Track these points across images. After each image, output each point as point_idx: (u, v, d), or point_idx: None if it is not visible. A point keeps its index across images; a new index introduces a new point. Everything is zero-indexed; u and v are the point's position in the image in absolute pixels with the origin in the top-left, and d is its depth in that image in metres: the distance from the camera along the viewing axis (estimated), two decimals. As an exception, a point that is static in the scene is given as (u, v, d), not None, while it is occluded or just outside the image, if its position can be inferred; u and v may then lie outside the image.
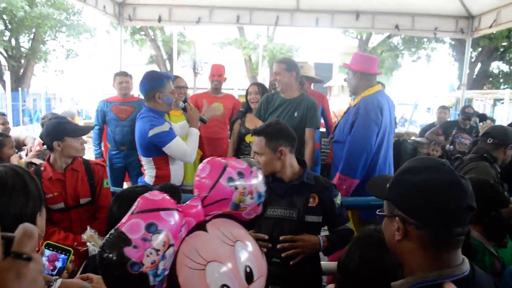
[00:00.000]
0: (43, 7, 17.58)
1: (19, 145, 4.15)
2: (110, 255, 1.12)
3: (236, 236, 1.45)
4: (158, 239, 1.19)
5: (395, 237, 1.21)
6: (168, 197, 1.38)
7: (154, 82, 3.07)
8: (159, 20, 6.85)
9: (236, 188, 1.43)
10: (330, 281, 2.32)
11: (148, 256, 1.15)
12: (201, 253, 1.30)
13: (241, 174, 1.48)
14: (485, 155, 2.93)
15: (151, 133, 2.99)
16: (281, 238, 2.21)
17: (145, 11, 6.91)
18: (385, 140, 3.36)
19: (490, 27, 6.33)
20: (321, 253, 2.37)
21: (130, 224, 1.20)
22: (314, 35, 25.86)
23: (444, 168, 1.19)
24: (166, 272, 1.22)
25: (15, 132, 4.45)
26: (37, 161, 3.67)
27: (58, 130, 2.67)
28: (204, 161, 1.46)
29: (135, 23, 7.48)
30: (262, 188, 1.51)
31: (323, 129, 4.81)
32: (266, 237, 2.18)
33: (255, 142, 2.34)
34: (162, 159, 3.14)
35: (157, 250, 1.17)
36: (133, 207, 1.29)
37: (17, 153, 3.57)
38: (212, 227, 1.44)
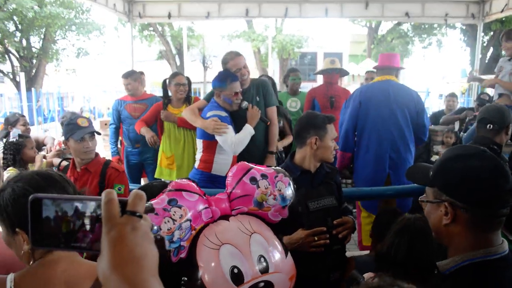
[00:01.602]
0: (52, 7, 17.71)
1: (39, 145, 4.24)
2: None
3: (256, 230, 1.60)
4: (176, 211, 1.44)
5: (442, 221, 1.27)
6: (194, 184, 1.59)
7: (218, 82, 3.30)
8: (169, 16, 6.90)
9: (258, 186, 1.63)
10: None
11: (165, 223, 1.41)
12: (218, 236, 1.51)
13: (264, 176, 1.67)
14: (491, 145, 2.72)
15: (209, 114, 3.23)
16: (335, 222, 2.33)
17: (154, 7, 6.97)
18: (366, 131, 3.58)
19: (502, 11, 6.26)
20: None
21: (158, 199, 1.47)
22: (323, 24, 25.73)
23: (486, 154, 1.27)
24: (183, 243, 1.43)
25: (33, 133, 4.52)
26: (57, 160, 3.76)
27: (64, 131, 2.81)
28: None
29: (145, 20, 7.54)
30: (288, 193, 1.67)
31: None
32: (324, 229, 2.25)
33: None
34: (210, 144, 3.29)
35: (174, 220, 1.42)
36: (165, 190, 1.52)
37: (37, 153, 3.64)
38: (234, 219, 1.63)
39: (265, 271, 1.52)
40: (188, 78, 4.27)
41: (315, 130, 2.37)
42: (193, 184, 1.61)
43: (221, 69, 3.51)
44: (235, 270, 1.47)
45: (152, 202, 1.45)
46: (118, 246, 0.65)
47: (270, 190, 1.66)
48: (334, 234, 2.30)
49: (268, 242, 1.59)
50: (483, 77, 5.00)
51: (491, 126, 2.84)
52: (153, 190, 1.82)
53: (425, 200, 1.36)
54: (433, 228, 1.35)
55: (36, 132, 11.14)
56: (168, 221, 1.42)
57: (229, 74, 3.34)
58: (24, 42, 18.82)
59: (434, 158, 5.27)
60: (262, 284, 1.50)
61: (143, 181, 4.99)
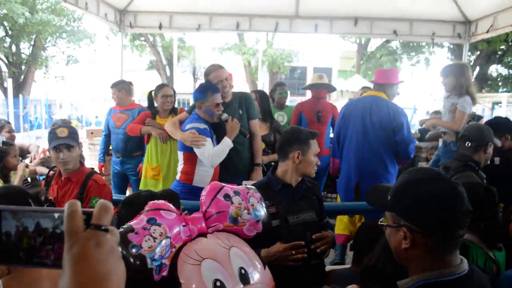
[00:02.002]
0: (44, 14, 17.66)
1: (23, 153, 4.20)
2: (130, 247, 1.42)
3: (234, 244, 1.66)
4: (156, 229, 1.48)
5: (402, 245, 1.29)
6: (170, 205, 1.64)
7: (199, 93, 3.32)
8: (160, 27, 6.91)
9: (232, 202, 1.71)
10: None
11: (146, 241, 1.43)
12: (198, 252, 1.55)
13: (237, 193, 1.76)
14: (469, 163, 2.83)
15: (188, 126, 3.25)
16: (314, 236, 2.33)
17: (146, 18, 6.98)
18: (346, 142, 3.85)
19: (487, 32, 6.38)
20: None
21: (136, 219, 1.51)
22: (313, 39, 25.96)
23: (442, 177, 1.29)
24: (164, 261, 1.46)
25: (18, 140, 4.48)
26: (41, 169, 3.73)
27: (47, 139, 2.77)
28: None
29: (136, 30, 7.54)
30: (260, 207, 1.76)
31: None
32: (302, 243, 2.24)
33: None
34: (190, 156, 3.28)
35: (154, 238, 1.46)
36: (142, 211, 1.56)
37: (21, 161, 3.61)
38: (212, 236, 1.69)
39: (246, 282, 1.56)
40: (173, 90, 4.31)
41: (298, 145, 2.40)
42: (169, 204, 1.64)
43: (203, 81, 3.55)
44: (218, 283, 1.50)
45: (131, 223, 1.48)
46: (80, 264, 0.60)
47: (243, 205, 1.73)
48: (313, 248, 2.30)
49: (247, 255, 1.64)
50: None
51: (469, 144, 2.91)
52: (141, 199, 1.89)
53: (385, 224, 1.37)
54: (393, 251, 1.36)
55: (22, 139, 11.03)
56: (149, 239, 1.44)
57: (210, 85, 3.37)
58: (13, 48, 18.71)
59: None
60: None
61: (128, 192, 4.97)
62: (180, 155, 3.38)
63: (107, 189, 2.79)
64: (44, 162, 3.77)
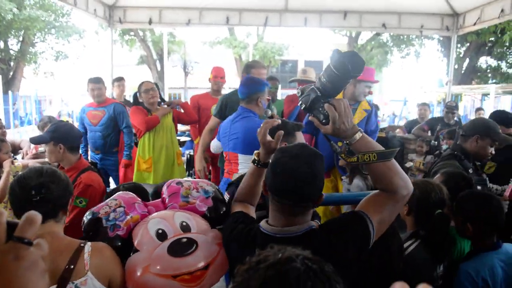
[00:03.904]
0: (32, 10, 17.49)
1: (15, 149, 4.20)
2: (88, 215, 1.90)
3: (181, 211, 1.92)
4: (112, 202, 1.91)
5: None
6: (132, 194, 2.02)
7: (258, 86, 3.26)
8: (150, 22, 6.91)
9: (182, 185, 2.01)
10: None
11: (103, 209, 1.88)
12: (149, 216, 1.88)
13: (188, 181, 2.08)
14: (455, 152, 2.91)
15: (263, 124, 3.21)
16: None
17: (135, 13, 6.97)
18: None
19: (475, 24, 6.47)
20: None
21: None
22: (304, 32, 25.99)
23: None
24: (118, 222, 1.83)
25: (9, 136, 4.48)
26: (33, 164, 3.73)
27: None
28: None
29: (126, 25, 7.52)
30: (209, 188, 2.03)
31: None
32: None
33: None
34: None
35: (110, 206, 1.88)
36: None
37: (13, 157, 3.61)
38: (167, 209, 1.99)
39: (187, 231, 1.79)
40: (155, 83, 4.41)
41: (285, 136, 2.45)
42: (130, 193, 2.04)
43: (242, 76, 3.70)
44: (160, 231, 1.77)
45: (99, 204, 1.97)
46: None
47: (192, 186, 2.01)
48: None
49: (192, 216, 1.88)
50: None
51: (461, 131, 3.03)
52: (124, 190, 2.09)
53: None
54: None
55: (12, 136, 10.96)
56: (105, 208, 1.88)
57: (260, 79, 3.42)
58: (1, 44, 18.54)
59: (409, 164, 5.41)
60: (184, 239, 1.73)
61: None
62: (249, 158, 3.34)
63: (92, 189, 2.68)
64: (36, 158, 3.77)
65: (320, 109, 1.40)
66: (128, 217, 1.85)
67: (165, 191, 2.04)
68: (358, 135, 1.45)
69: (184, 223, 1.81)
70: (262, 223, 1.55)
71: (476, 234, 2.01)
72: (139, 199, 2.00)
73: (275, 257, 0.88)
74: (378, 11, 6.94)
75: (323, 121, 1.41)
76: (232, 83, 16.54)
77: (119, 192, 2.04)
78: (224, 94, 4.29)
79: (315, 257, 0.90)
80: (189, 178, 2.01)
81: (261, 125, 1.78)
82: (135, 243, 1.76)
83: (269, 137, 1.74)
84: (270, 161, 1.55)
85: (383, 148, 1.46)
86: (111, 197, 1.97)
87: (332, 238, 1.44)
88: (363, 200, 1.57)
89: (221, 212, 2.00)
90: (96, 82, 4.80)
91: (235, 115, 3.28)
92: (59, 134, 2.79)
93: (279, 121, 1.90)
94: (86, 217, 1.89)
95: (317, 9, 6.87)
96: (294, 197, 1.45)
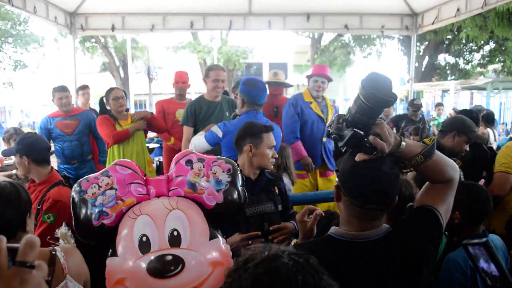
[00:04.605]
0: (-13, 18, 16.94)
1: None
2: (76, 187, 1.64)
3: (180, 208, 1.62)
4: (104, 179, 1.64)
5: None
6: (134, 164, 1.76)
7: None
8: (113, 28, 6.81)
9: (192, 168, 1.71)
10: None
11: (92, 188, 1.62)
12: (141, 208, 1.61)
13: (201, 160, 1.74)
14: None
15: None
16: (271, 228, 2.40)
17: (97, 20, 6.85)
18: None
19: (433, 23, 6.70)
20: None
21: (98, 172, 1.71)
22: (268, 35, 26.11)
23: None
24: (105, 209, 1.57)
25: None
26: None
27: None
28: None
29: (88, 32, 7.39)
30: (224, 177, 1.72)
31: None
32: (259, 233, 2.29)
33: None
34: None
35: (100, 186, 1.62)
36: None
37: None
38: (165, 197, 1.70)
39: (175, 244, 1.53)
40: (124, 91, 4.33)
41: (250, 139, 2.48)
42: (134, 163, 1.75)
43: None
44: (144, 238, 1.52)
45: (91, 175, 1.67)
46: None
47: (203, 172, 1.70)
48: (270, 239, 2.36)
49: (190, 220, 1.59)
50: None
51: (440, 128, 3.19)
52: None
53: None
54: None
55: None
56: (94, 187, 1.62)
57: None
58: (-44, 54, 17.86)
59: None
60: (169, 257, 1.49)
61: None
62: None
63: (60, 204, 2.59)
64: (2, 171, 3.67)
65: (367, 144, 1.36)
66: (120, 201, 1.61)
67: (173, 166, 1.76)
68: (403, 145, 1.42)
69: (175, 233, 1.55)
70: (335, 230, 1.49)
71: (464, 223, 2.09)
72: (140, 176, 1.72)
73: (262, 255, 0.90)
74: (340, 13, 7.07)
75: (374, 153, 1.36)
76: (198, 87, 16.48)
77: (117, 166, 1.71)
78: (190, 102, 4.18)
79: (299, 252, 0.92)
80: (204, 155, 1.78)
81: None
82: (117, 238, 1.57)
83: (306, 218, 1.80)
84: (344, 165, 1.46)
85: (421, 144, 1.46)
86: (105, 171, 1.68)
87: (410, 237, 1.44)
88: (421, 195, 1.56)
89: (232, 212, 1.76)
90: (63, 90, 4.71)
91: (262, 118, 3.23)
92: (22, 146, 2.74)
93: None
94: (74, 189, 1.64)
95: (280, 12, 6.94)
96: (378, 200, 1.41)
